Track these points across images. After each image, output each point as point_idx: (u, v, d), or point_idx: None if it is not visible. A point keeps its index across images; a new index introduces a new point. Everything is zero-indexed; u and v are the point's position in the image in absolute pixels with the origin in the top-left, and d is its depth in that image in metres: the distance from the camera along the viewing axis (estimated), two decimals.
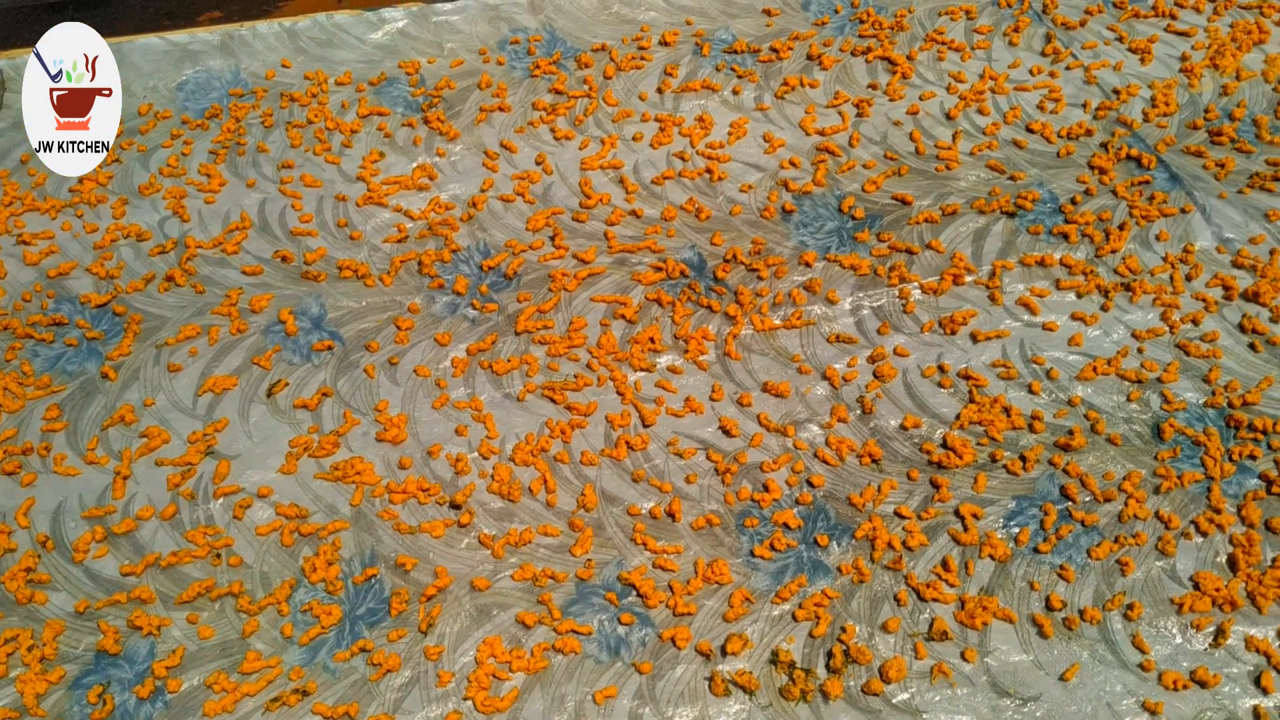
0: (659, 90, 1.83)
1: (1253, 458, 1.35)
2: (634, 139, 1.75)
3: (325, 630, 1.22)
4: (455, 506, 1.32)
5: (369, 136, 1.76)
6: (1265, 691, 1.16)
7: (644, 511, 1.32)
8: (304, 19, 1.93)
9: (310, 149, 1.74)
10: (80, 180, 1.68)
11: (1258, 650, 1.19)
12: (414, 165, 1.71)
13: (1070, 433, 1.37)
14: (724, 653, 1.20)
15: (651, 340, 1.48)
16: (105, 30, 1.72)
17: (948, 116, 1.78)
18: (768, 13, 1.97)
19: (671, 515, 1.31)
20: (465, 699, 1.17)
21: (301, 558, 1.28)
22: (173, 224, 1.64)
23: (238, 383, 1.44)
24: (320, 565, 1.26)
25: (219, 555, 1.28)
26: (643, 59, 1.88)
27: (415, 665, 1.19)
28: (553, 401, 1.43)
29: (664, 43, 1.90)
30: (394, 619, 1.23)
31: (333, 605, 1.24)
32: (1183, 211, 1.62)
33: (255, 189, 1.69)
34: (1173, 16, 1.95)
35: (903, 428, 1.39)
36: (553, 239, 1.61)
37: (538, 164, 1.72)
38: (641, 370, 1.46)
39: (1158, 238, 1.59)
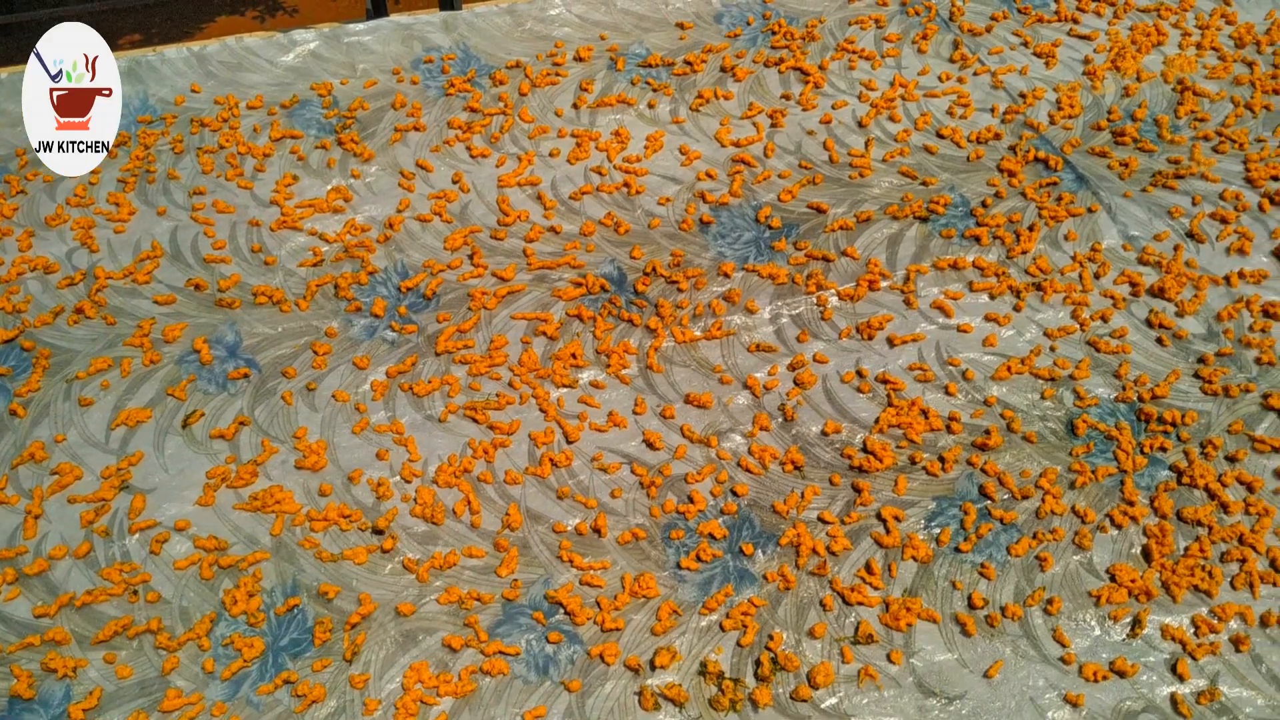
0: (575, 106, 1.83)
1: (1163, 450, 1.38)
2: (551, 155, 1.75)
3: (248, 663, 1.20)
4: (378, 532, 1.31)
5: (282, 160, 1.74)
6: (1181, 679, 1.19)
7: (569, 528, 1.32)
8: (213, 43, 1.91)
9: (222, 174, 1.72)
10: None
11: (1173, 639, 1.22)
12: (328, 188, 1.70)
13: (987, 432, 1.40)
14: (653, 666, 1.20)
15: (573, 356, 1.48)
16: (15, 56, 1.68)
17: (860, 124, 1.80)
18: (681, 26, 1.98)
19: (597, 531, 1.31)
20: None
21: (222, 590, 1.26)
22: (81, 255, 1.60)
23: (152, 415, 1.42)
24: (241, 597, 1.24)
25: (136, 592, 1.26)
26: (558, 75, 1.88)
27: (341, 695, 1.18)
28: (475, 421, 1.42)
29: (578, 58, 1.91)
30: (318, 649, 1.21)
31: (255, 638, 1.22)
32: (1089, 211, 1.66)
33: (166, 217, 1.66)
34: (1075, 21, 2.00)
35: (824, 434, 1.41)
36: (471, 258, 1.60)
37: (454, 183, 1.71)
38: (564, 386, 1.46)
39: (1066, 237, 1.63)
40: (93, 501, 1.33)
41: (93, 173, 1.71)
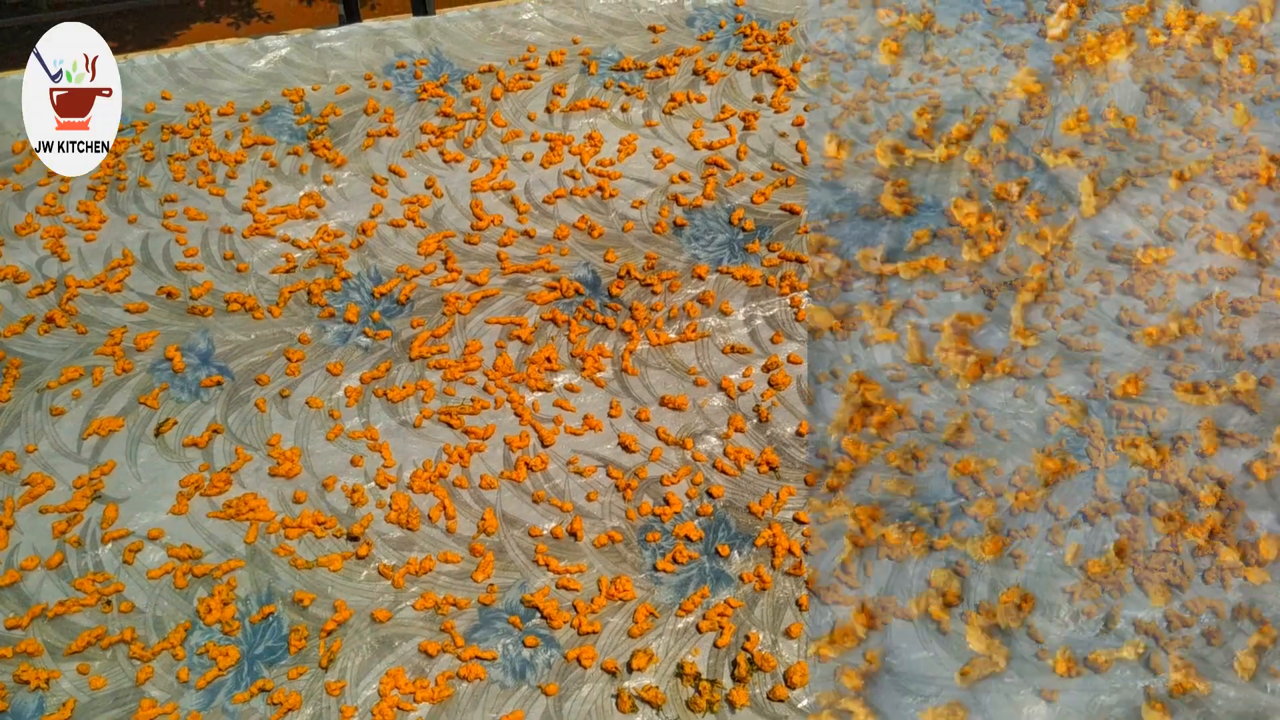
0: (548, 110, 1.83)
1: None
2: (524, 159, 1.75)
3: (223, 672, 1.19)
4: (353, 538, 1.30)
5: (254, 166, 1.73)
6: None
7: (545, 532, 1.32)
8: (184, 49, 1.90)
9: (194, 182, 1.71)
10: None
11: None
12: (301, 194, 1.69)
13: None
14: (630, 669, 1.20)
15: (548, 360, 1.48)
16: None
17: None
18: (653, 29, 1.98)
19: (573, 534, 1.31)
20: None
21: (196, 599, 1.25)
22: (51, 264, 1.59)
23: (124, 424, 1.41)
24: (215, 606, 1.24)
25: (109, 602, 1.25)
26: (530, 79, 1.88)
27: (317, 702, 1.17)
28: (450, 426, 1.42)
29: (551, 62, 1.91)
30: (293, 656, 1.21)
31: (230, 646, 1.21)
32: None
33: (137, 224, 1.65)
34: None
35: (798, 434, 1.41)
36: (445, 262, 1.60)
37: (427, 187, 1.71)
38: (539, 390, 1.46)
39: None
40: (65, 512, 1.32)
41: (63, 181, 1.70)
